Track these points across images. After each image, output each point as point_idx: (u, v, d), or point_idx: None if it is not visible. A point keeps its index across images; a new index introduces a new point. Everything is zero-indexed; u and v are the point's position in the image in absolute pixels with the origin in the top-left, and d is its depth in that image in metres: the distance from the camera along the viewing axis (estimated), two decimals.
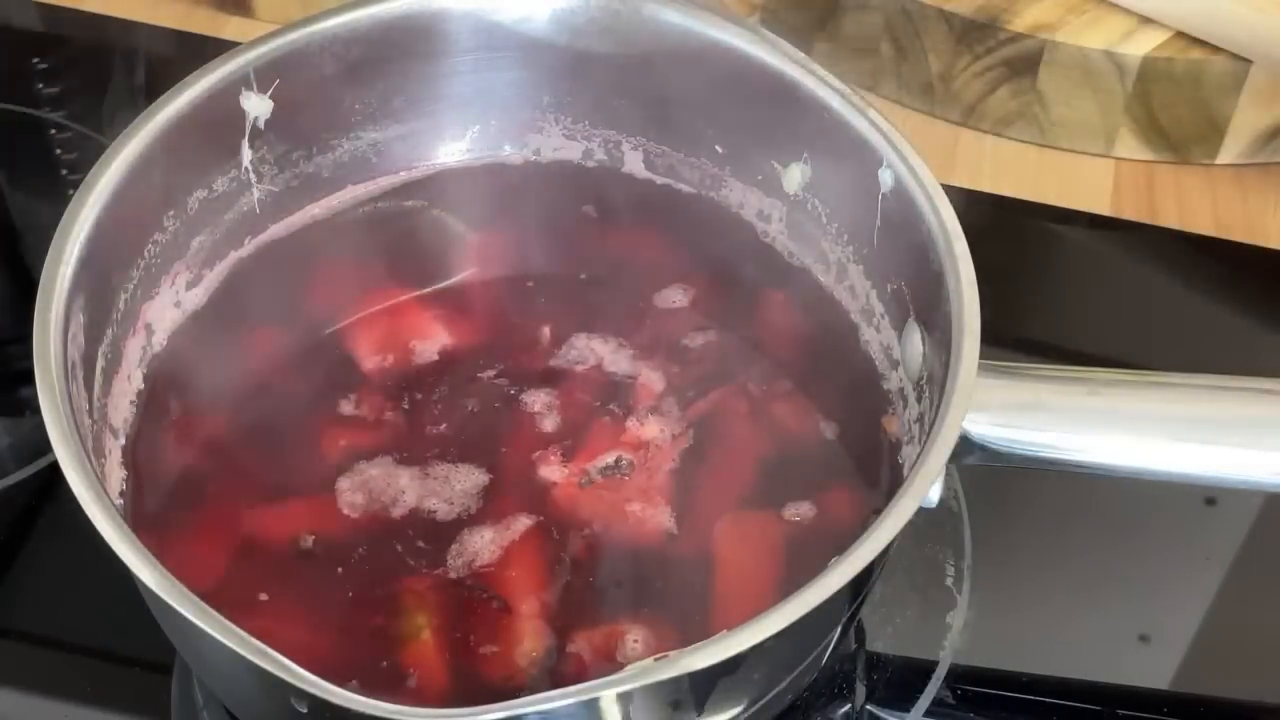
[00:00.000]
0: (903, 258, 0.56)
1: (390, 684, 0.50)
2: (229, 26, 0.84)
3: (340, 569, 0.53)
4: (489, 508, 0.55)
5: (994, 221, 0.76)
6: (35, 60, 0.82)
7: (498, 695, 0.48)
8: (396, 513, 0.54)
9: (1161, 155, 0.79)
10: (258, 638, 0.42)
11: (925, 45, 0.79)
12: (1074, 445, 0.52)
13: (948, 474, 0.50)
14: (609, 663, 0.50)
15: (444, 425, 0.57)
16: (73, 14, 0.85)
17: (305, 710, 0.42)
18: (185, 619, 0.43)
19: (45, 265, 0.51)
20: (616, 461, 0.57)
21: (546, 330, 0.60)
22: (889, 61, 0.81)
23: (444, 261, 0.64)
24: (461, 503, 0.55)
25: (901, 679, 0.58)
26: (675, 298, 0.62)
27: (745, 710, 0.49)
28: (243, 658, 0.42)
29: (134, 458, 0.55)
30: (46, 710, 0.56)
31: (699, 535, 0.55)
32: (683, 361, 0.60)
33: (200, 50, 0.80)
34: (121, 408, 0.55)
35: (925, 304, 0.54)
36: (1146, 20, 0.77)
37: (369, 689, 0.41)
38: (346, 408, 0.58)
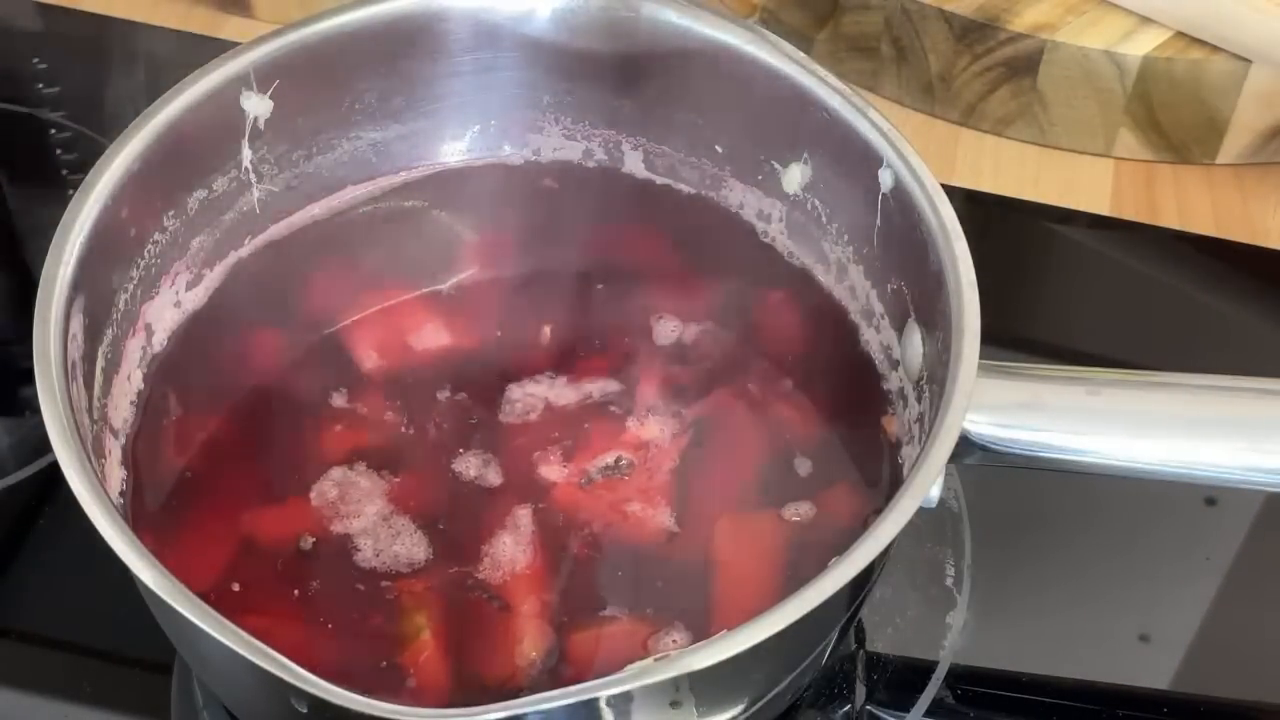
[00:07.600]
0: (903, 258, 0.56)
1: (390, 684, 0.50)
2: (229, 26, 0.84)
3: (340, 569, 0.53)
4: (492, 511, 0.55)
5: (994, 221, 0.76)
6: (35, 60, 0.82)
7: (498, 695, 0.48)
8: (337, 529, 0.54)
9: (1161, 155, 0.79)
10: (258, 638, 0.42)
11: (925, 45, 0.79)
12: (1074, 445, 0.52)
13: (948, 474, 0.50)
14: (609, 663, 0.50)
15: (444, 425, 0.57)
16: (73, 14, 0.85)
17: (305, 710, 0.42)
18: (185, 619, 0.43)
19: (45, 265, 0.51)
20: (616, 461, 0.56)
21: (547, 330, 0.60)
22: (889, 61, 0.81)
23: (444, 262, 0.64)
24: (396, 564, 0.54)
25: (901, 679, 0.58)
26: (674, 298, 0.62)
27: (745, 710, 0.49)
28: (243, 658, 0.42)
29: (134, 458, 0.55)
30: (46, 710, 0.56)
31: (699, 535, 0.55)
32: (683, 361, 0.60)
33: (200, 50, 0.80)
34: (121, 408, 0.55)
35: (925, 304, 0.54)
36: (1146, 20, 0.77)
37: (369, 689, 0.41)
38: (346, 408, 0.58)
